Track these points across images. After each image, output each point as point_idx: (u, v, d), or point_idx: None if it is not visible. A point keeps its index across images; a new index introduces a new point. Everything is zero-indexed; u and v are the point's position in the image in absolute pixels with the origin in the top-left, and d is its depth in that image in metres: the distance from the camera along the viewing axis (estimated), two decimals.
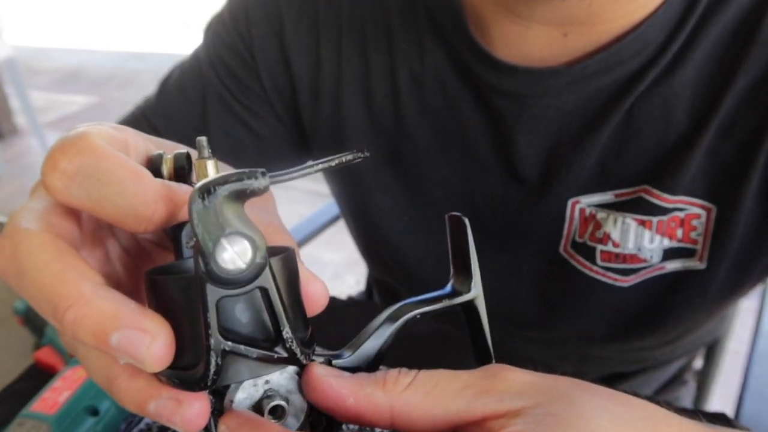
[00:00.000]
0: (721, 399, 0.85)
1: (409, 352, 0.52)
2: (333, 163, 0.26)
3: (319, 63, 0.58)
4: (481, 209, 0.57)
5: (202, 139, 0.26)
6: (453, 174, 0.56)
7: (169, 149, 0.30)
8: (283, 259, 0.25)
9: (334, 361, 0.27)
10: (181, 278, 0.24)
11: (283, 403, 0.25)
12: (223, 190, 0.22)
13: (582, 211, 0.53)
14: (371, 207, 0.61)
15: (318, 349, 0.27)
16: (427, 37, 0.54)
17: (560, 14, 0.46)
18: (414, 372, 0.26)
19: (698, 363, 0.85)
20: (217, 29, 0.62)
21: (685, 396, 0.78)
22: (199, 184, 0.22)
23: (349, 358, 0.27)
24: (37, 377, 0.50)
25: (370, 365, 0.28)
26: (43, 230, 0.24)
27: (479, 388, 0.25)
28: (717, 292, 0.52)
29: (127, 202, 0.24)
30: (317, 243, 1.13)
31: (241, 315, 0.23)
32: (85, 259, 0.24)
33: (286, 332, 0.24)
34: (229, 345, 0.23)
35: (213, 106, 0.61)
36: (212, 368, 0.23)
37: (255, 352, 0.23)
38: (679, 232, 0.50)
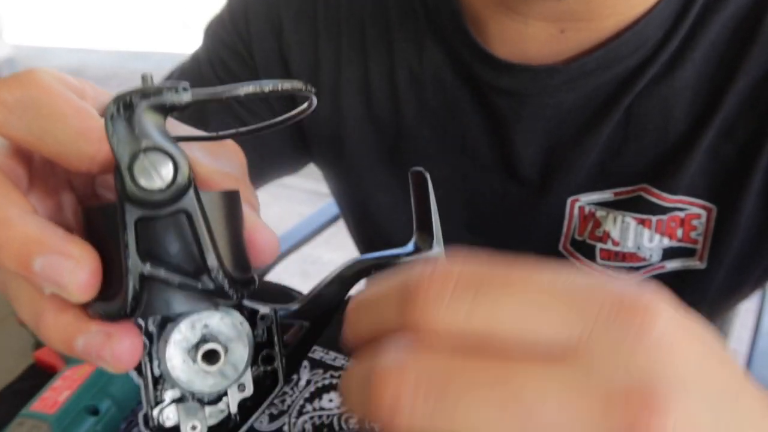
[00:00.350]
0: None
1: None
2: (266, 89, 0.24)
3: (318, 62, 0.58)
4: (480, 208, 0.57)
5: (146, 74, 0.24)
6: (452, 173, 0.56)
7: None
8: (222, 196, 0.24)
9: (280, 312, 0.26)
10: (107, 205, 0.23)
11: (218, 347, 0.24)
12: (143, 103, 0.21)
13: (581, 209, 0.53)
14: (371, 206, 0.61)
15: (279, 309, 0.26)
16: (426, 35, 0.54)
17: (557, 10, 0.46)
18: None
19: None
20: (216, 29, 0.62)
21: None
22: (115, 95, 0.21)
23: (295, 308, 0.27)
24: (37, 377, 0.50)
25: (319, 318, 0.27)
26: None
27: None
28: (717, 292, 0.52)
29: (69, 137, 0.24)
30: (317, 243, 1.13)
31: (165, 241, 0.22)
32: (24, 195, 0.24)
33: (211, 260, 0.22)
34: (147, 268, 0.22)
35: (212, 106, 0.61)
36: (130, 293, 0.22)
37: (176, 278, 0.22)
38: (679, 232, 0.50)
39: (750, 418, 0.20)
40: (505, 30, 0.49)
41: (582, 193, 0.52)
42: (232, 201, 0.25)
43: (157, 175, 0.21)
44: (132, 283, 0.22)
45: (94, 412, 0.44)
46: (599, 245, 0.53)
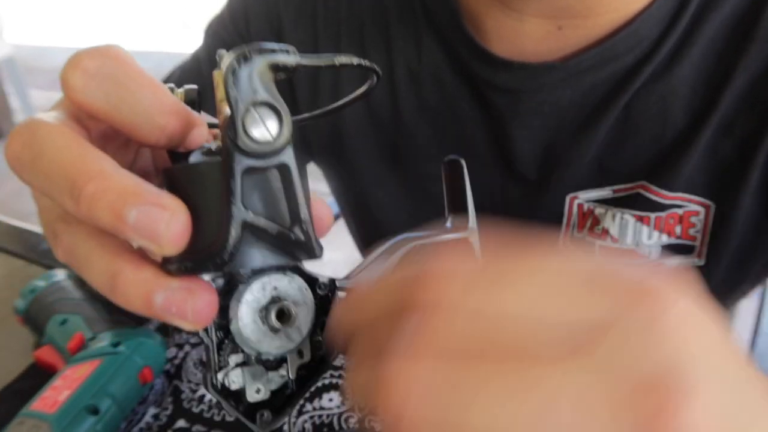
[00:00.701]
0: None
1: None
2: (355, 62, 0.27)
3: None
4: (479, 205, 0.57)
5: (221, 51, 0.26)
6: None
7: None
8: (302, 160, 0.25)
9: (338, 282, 0.27)
10: (200, 163, 0.24)
11: (290, 306, 0.25)
12: (259, 59, 0.22)
13: (580, 206, 0.53)
14: (370, 203, 0.61)
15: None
16: (424, 33, 0.54)
17: (554, 7, 0.46)
18: None
19: None
20: (217, 29, 0.62)
21: None
22: (235, 50, 0.22)
23: (351, 279, 0.28)
24: (37, 376, 0.50)
25: None
26: (62, 125, 0.24)
27: None
28: (716, 288, 0.53)
29: (143, 108, 0.24)
30: None
31: (264, 193, 0.23)
32: None
33: (304, 213, 0.24)
34: (250, 215, 0.23)
35: (212, 103, 0.61)
36: (231, 240, 0.22)
37: (275, 227, 0.23)
38: (678, 229, 0.50)
39: (763, 404, 0.20)
40: (502, 27, 0.49)
41: (581, 190, 0.52)
42: (306, 167, 0.26)
43: (265, 128, 0.22)
44: (234, 230, 0.22)
45: (94, 411, 0.44)
46: (598, 242, 0.53)
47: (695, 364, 0.18)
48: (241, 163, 0.22)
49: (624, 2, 0.46)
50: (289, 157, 0.23)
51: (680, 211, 0.50)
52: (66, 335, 0.51)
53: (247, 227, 0.23)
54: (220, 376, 0.25)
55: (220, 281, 0.25)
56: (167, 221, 0.22)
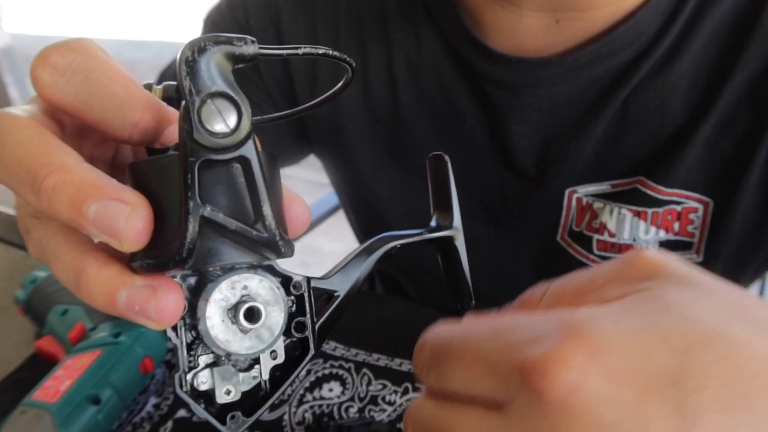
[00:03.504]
0: None
1: (411, 340, 0.52)
2: (320, 51, 0.26)
3: None
4: (479, 197, 0.57)
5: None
6: (451, 162, 0.57)
7: None
8: (268, 155, 0.24)
9: (312, 282, 0.27)
10: (161, 157, 0.23)
11: (259, 306, 0.24)
12: (215, 49, 0.22)
13: (579, 200, 0.53)
14: (370, 195, 0.61)
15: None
16: (423, 26, 0.53)
17: (551, 0, 0.46)
18: (546, 286, 0.27)
19: None
20: (215, 20, 0.62)
21: None
22: (190, 40, 0.21)
23: (328, 279, 0.28)
24: (39, 366, 0.50)
25: (349, 289, 0.28)
26: (29, 117, 0.24)
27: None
28: None
29: (114, 103, 0.24)
30: (317, 233, 1.13)
31: (223, 187, 0.22)
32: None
33: (266, 209, 0.23)
34: (207, 210, 0.22)
35: None
36: (189, 235, 0.22)
37: (234, 223, 0.22)
38: (676, 225, 0.50)
39: None
40: (501, 21, 0.49)
41: (579, 184, 0.52)
42: (274, 163, 0.25)
43: (222, 120, 0.22)
44: (192, 225, 0.22)
45: (96, 401, 0.44)
46: (596, 236, 0.53)
47: None
48: (198, 156, 0.22)
49: None
50: (249, 150, 0.22)
51: (678, 208, 0.50)
52: (67, 325, 0.51)
53: (207, 223, 0.22)
54: (189, 376, 0.25)
55: (192, 280, 0.24)
56: (127, 217, 0.21)
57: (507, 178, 0.55)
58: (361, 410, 0.47)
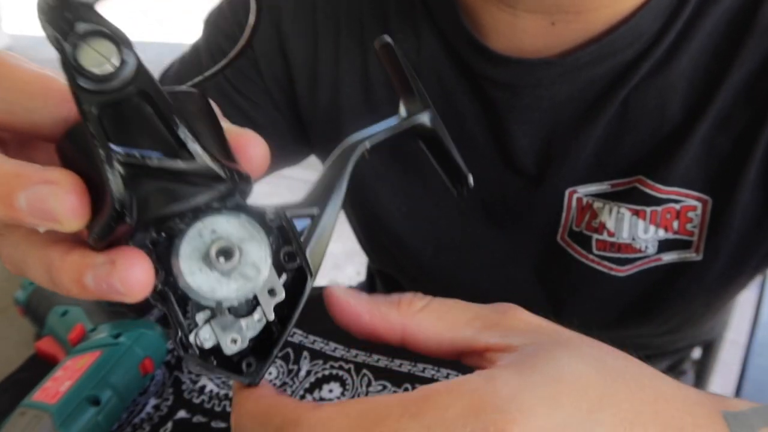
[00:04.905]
0: (719, 389, 0.85)
1: None
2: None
3: (317, 53, 0.58)
4: (479, 197, 0.57)
5: None
6: None
7: None
8: (189, 92, 0.23)
9: (288, 212, 0.26)
10: (74, 126, 0.22)
11: (230, 243, 0.23)
12: None
13: (579, 200, 0.53)
14: (370, 197, 0.61)
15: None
16: (423, 27, 0.54)
17: (546, 3, 0.46)
18: (428, 298, 0.27)
19: (696, 353, 0.85)
20: (216, 20, 0.62)
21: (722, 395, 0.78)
22: None
23: (301, 200, 0.27)
24: (38, 367, 0.50)
25: (329, 209, 0.27)
26: None
27: (488, 321, 0.26)
28: (714, 282, 0.53)
29: (37, 104, 0.23)
30: None
31: (132, 127, 0.21)
32: None
33: (182, 131, 0.21)
34: (121, 152, 0.21)
35: (212, 97, 0.61)
36: (113, 185, 0.20)
37: (154, 156, 0.21)
38: (675, 224, 0.50)
39: None
40: (498, 22, 0.49)
41: (579, 184, 0.52)
42: (200, 98, 0.24)
43: (103, 59, 0.20)
44: (112, 174, 0.21)
45: (96, 402, 0.44)
46: (595, 236, 0.53)
47: None
48: (91, 103, 0.20)
49: None
50: (145, 82, 0.21)
51: (677, 206, 0.50)
52: (67, 326, 0.51)
53: (131, 167, 0.21)
54: (191, 338, 0.24)
55: (163, 244, 0.23)
56: (56, 196, 0.21)
57: (507, 179, 0.55)
58: None
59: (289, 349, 0.52)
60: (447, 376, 0.48)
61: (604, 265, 0.53)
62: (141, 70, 0.21)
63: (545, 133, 0.51)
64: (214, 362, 0.24)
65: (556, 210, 0.54)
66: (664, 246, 0.52)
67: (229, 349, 0.24)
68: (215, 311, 0.24)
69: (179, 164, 0.21)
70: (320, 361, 0.51)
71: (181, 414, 0.48)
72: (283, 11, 0.58)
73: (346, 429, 0.22)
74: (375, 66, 0.56)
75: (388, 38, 0.29)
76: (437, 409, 0.22)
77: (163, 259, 0.23)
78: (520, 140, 0.52)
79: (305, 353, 0.52)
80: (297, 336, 0.53)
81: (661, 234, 0.51)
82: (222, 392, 0.49)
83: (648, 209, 0.50)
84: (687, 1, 0.45)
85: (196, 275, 0.23)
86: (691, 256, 0.51)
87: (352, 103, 0.58)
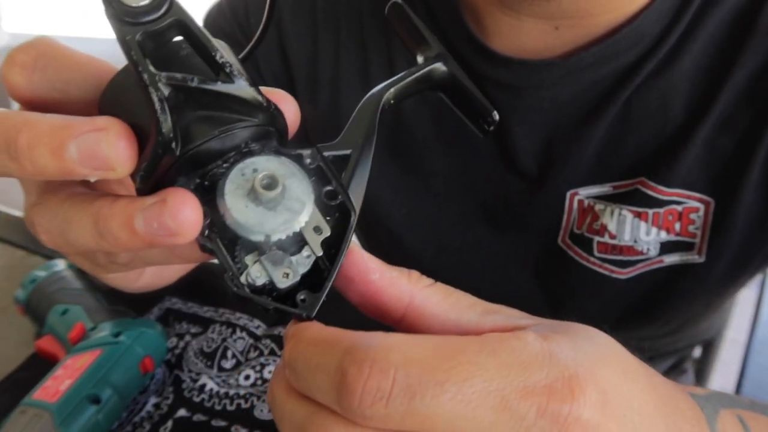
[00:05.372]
0: (719, 388, 0.85)
1: None
2: None
3: (317, 53, 0.58)
4: (480, 199, 0.57)
5: None
6: (452, 164, 0.56)
7: None
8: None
9: (325, 153, 0.26)
10: (112, 78, 0.23)
11: (276, 174, 0.23)
12: None
13: (581, 202, 0.53)
14: (370, 198, 0.61)
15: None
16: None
17: (549, 9, 0.46)
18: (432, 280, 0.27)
19: (697, 352, 0.85)
20: (216, 18, 0.62)
21: (684, 384, 0.79)
22: None
23: (336, 143, 0.27)
24: (39, 366, 0.50)
25: (363, 146, 0.28)
26: None
27: (488, 307, 0.26)
28: (716, 284, 0.52)
29: (90, 83, 0.24)
30: None
31: (172, 60, 0.22)
32: None
33: (220, 56, 0.23)
34: (163, 76, 0.21)
35: None
36: (158, 108, 0.21)
37: (193, 78, 0.22)
38: (677, 226, 0.50)
39: None
40: (501, 24, 0.49)
41: (581, 186, 0.52)
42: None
43: None
44: (156, 96, 0.21)
45: (96, 400, 0.44)
46: (596, 238, 0.53)
47: None
48: (131, 32, 0.21)
49: (621, 4, 0.45)
50: (180, 12, 0.22)
51: (679, 208, 0.50)
52: (67, 325, 0.51)
53: (173, 90, 0.22)
54: (242, 278, 0.24)
55: (205, 192, 0.24)
56: (107, 140, 0.21)
57: (508, 181, 0.55)
58: None
59: None
60: None
61: (606, 268, 0.53)
62: (174, 2, 0.22)
63: (547, 134, 0.51)
64: (266, 298, 0.24)
65: (557, 212, 0.54)
66: (666, 248, 0.51)
67: (282, 283, 0.24)
68: (263, 249, 0.24)
69: (220, 86, 0.22)
70: None
71: (181, 412, 0.48)
72: (283, 11, 0.58)
73: (421, 356, 0.21)
74: (375, 65, 0.56)
75: (398, 1, 0.31)
76: (514, 350, 0.22)
77: (208, 204, 0.24)
78: (521, 142, 0.52)
79: None
80: None
81: (663, 236, 0.51)
82: (222, 391, 0.49)
83: (650, 211, 0.50)
84: (690, 3, 0.45)
85: (242, 211, 0.23)
86: (694, 258, 0.51)
87: (351, 103, 0.58)
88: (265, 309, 0.24)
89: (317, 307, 0.25)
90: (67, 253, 0.30)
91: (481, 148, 0.54)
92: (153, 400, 0.49)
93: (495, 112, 0.31)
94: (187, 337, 0.55)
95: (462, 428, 0.20)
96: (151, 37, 0.22)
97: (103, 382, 0.45)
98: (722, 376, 0.87)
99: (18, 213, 0.77)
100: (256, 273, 0.24)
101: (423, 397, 0.20)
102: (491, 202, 0.56)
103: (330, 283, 0.25)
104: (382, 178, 0.60)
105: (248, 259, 0.24)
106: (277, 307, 0.24)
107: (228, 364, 0.52)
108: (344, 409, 0.21)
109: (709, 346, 0.84)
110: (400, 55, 0.55)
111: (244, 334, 0.54)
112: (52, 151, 0.21)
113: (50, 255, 0.66)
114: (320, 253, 0.25)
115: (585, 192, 0.52)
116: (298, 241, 0.25)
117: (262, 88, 0.25)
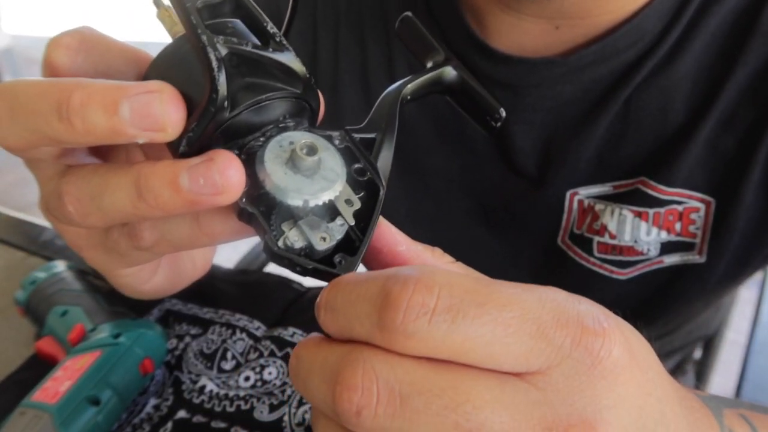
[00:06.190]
0: (719, 389, 0.85)
1: None
2: None
3: (317, 53, 0.58)
4: (480, 199, 0.57)
5: None
6: (452, 164, 0.56)
7: None
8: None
9: (347, 128, 0.28)
10: (164, 48, 0.25)
11: (314, 141, 0.25)
12: None
13: (581, 202, 0.53)
14: None
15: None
16: (425, 26, 0.54)
17: (549, 9, 0.46)
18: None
19: (697, 353, 0.85)
20: None
21: (684, 385, 0.78)
22: None
23: (362, 127, 0.29)
24: (38, 367, 0.50)
25: (387, 129, 0.29)
26: None
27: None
28: (716, 284, 0.52)
29: (131, 68, 0.25)
30: None
31: (227, 23, 0.24)
32: None
33: (271, 27, 0.25)
34: (220, 38, 0.23)
35: None
36: (215, 66, 0.22)
37: (248, 43, 0.24)
38: (678, 226, 0.50)
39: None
40: (501, 23, 0.49)
41: (581, 186, 0.52)
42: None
43: None
44: (213, 55, 0.22)
45: (95, 402, 0.44)
46: (596, 238, 0.52)
47: (615, 408, 0.21)
48: (190, 0, 0.23)
49: (621, 3, 0.45)
50: None
51: (680, 208, 0.50)
52: (67, 326, 0.51)
53: (229, 53, 0.23)
54: (280, 242, 0.25)
55: (247, 162, 0.25)
56: (160, 101, 0.22)
57: (508, 181, 0.55)
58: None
59: (289, 349, 0.52)
60: None
61: (606, 268, 0.53)
62: None
63: (547, 133, 0.51)
64: (304, 259, 0.25)
65: (556, 212, 0.54)
66: (667, 248, 0.51)
67: (321, 245, 0.25)
68: (300, 215, 0.25)
69: (272, 54, 0.24)
70: None
71: (181, 414, 0.48)
72: (282, 10, 0.58)
73: (464, 281, 0.21)
74: (374, 66, 0.56)
75: (409, 14, 0.34)
76: (548, 290, 0.23)
77: (248, 173, 0.25)
78: (521, 141, 0.52)
79: None
80: (297, 336, 0.53)
81: (664, 236, 0.51)
82: (222, 392, 0.49)
83: (651, 211, 0.50)
84: (690, 2, 0.45)
85: (282, 176, 0.24)
86: (694, 258, 0.51)
87: (351, 103, 0.58)
88: (303, 271, 0.25)
89: (355, 269, 0.25)
90: (76, 236, 0.30)
91: (480, 148, 0.54)
92: (153, 401, 0.49)
93: (502, 109, 0.32)
94: (187, 339, 0.55)
95: (498, 354, 0.21)
96: (208, 8, 0.24)
97: (102, 383, 0.45)
98: (722, 377, 0.86)
99: (18, 214, 0.77)
100: (294, 237, 0.25)
101: (465, 316, 0.20)
102: (491, 202, 0.56)
103: (365, 247, 0.26)
104: None
105: (284, 225, 0.25)
106: (317, 267, 0.25)
107: (228, 365, 0.52)
108: (385, 329, 0.20)
109: (709, 347, 0.84)
110: (400, 55, 0.55)
111: (243, 335, 0.54)
112: (105, 109, 0.22)
113: (50, 256, 0.66)
114: (353, 222, 0.26)
115: (585, 192, 0.52)
116: (332, 211, 0.26)
117: None
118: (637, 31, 0.46)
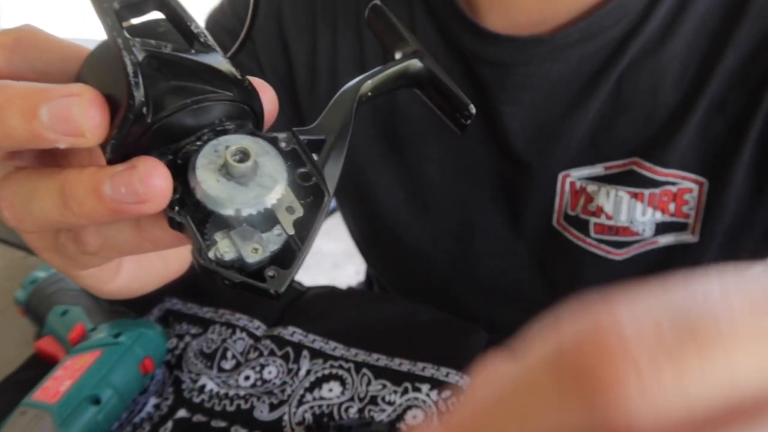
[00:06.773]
0: None
1: (411, 340, 0.52)
2: None
3: (316, 44, 0.58)
4: (474, 183, 0.57)
5: None
6: (446, 149, 0.57)
7: None
8: None
9: (300, 136, 0.26)
10: (94, 49, 0.24)
11: (247, 148, 0.23)
12: None
13: (572, 184, 0.53)
14: (366, 185, 0.61)
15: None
16: (418, 12, 0.54)
17: None
18: None
19: None
20: (218, 18, 0.62)
21: None
22: None
23: (311, 128, 0.27)
24: (39, 366, 0.50)
25: (339, 132, 0.27)
26: None
27: None
28: (709, 264, 0.53)
29: (69, 66, 0.24)
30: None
31: (147, 32, 0.23)
32: None
33: (195, 26, 0.23)
34: (137, 41, 0.21)
35: None
36: (130, 71, 0.21)
37: (167, 45, 0.22)
38: (672, 207, 0.51)
39: None
40: (493, 0, 0.49)
41: (573, 167, 0.53)
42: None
43: None
44: (129, 60, 0.21)
45: (96, 401, 0.44)
46: (593, 219, 0.53)
47: None
48: (107, 2, 0.22)
49: None
50: None
51: (674, 189, 0.50)
52: (67, 326, 0.51)
53: (146, 57, 0.22)
54: (210, 253, 0.23)
55: (177, 167, 0.24)
56: (80, 105, 0.21)
57: (500, 163, 0.55)
58: (360, 410, 0.47)
59: (289, 348, 0.52)
60: (447, 375, 0.48)
61: (602, 249, 0.54)
62: None
63: (537, 114, 0.52)
64: (234, 273, 0.24)
65: (549, 194, 0.54)
66: (661, 228, 0.52)
67: (251, 257, 0.23)
68: (233, 224, 0.24)
69: (194, 56, 0.23)
70: (320, 361, 0.51)
71: (182, 413, 0.48)
72: (283, 4, 0.58)
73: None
74: (370, 53, 0.56)
75: (377, 3, 0.31)
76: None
77: (180, 181, 0.23)
78: (510, 121, 0.52)
79: (305, 352, 0.52)
80: (297, 335, 0.53)
81: (658, 216, 0.51)
82: (222, 391, 0.49)
83: (646, 191, 0.51)
84: None
85: (213, 184, 0.23)
86: (688, 238, 0.52)
87: None
88: (231, 285, 0.23)
89: (286, 284, 0.24)
90: (31, 239, 0.29)
91: (473, 132, 0.55)
92: (153, 400, 0.49)
93: (471, 105, 0.31)
94: (187, 338, 0.55)
95: None
96: (129, 8, 0.22)
97: (103, 382, 0.45)
98: None
99: None
100: (224, 248, 0.23)
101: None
102: (485, 185, 0.57)
103: (301, 261, 0.24)
104: (377, 161, 0.60)
105: (218, 236, 0.24)
106: (245, 281, 0.23)
107: (228, 364, 0.52)
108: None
109: None
110: None
111: (243, 334, 0.54)
112: (24, 113, 0.21)
113: None
114: (292, 232, 0.24)
115: (577, 173, 0.53)
116: (270, 220, 0.24)
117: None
118: (620, 9, 0.47)
